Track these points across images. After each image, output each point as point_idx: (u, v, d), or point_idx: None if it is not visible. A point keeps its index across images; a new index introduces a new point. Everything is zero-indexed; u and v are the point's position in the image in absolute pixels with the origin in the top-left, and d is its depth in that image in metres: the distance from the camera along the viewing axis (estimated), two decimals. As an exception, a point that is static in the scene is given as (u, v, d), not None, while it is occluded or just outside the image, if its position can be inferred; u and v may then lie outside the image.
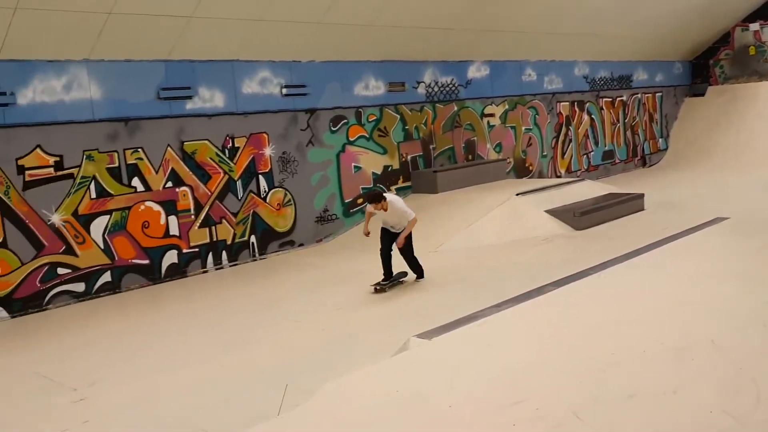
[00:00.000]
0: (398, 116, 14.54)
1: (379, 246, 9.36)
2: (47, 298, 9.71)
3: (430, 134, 15.23)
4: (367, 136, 13.94)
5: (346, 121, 13.54)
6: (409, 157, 14.79)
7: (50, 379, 6.85)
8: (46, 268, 9.71)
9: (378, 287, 9.18)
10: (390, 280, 9.32)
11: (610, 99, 20.65)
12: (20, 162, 9.49)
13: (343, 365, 6.07)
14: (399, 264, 9.46)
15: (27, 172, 9.56)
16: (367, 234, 9.44)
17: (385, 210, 9.00)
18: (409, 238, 9.24)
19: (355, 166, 13.73)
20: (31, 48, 9.29)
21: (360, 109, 13.78)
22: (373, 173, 14.07)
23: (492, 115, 16.78)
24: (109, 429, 5.63)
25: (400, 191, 14.45)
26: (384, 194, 9.14)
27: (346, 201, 13.57)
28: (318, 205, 13.10)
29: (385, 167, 14.30)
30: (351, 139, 13.65)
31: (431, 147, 15.27)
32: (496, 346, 5.22)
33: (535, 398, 4.32)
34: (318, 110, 13.03)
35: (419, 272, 9.58)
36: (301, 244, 12.76)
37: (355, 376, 4.99)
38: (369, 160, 13.97)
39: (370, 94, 13.94)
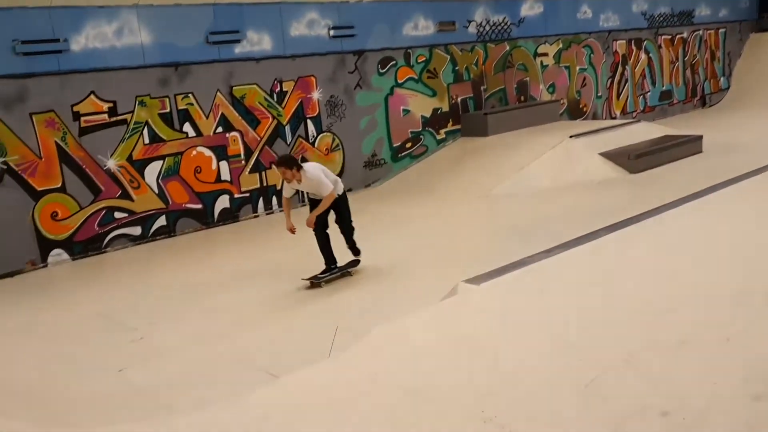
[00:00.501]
0: (448, 57, 14.23)
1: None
2: (105, 241, 10.01)
3: (481, 75, 14.89)
4: (416, 78, 13.72)
5: (394, 62, 13.33)
6: (459, 99, 14.53)
7: (111, 319, 7.12)
8: (104, 212, 9.98)
9: (314, 281, 7.53)
10: (330, 271, 7.66)
11: (669, 36, 19.78)
12: (75, 108, 9.67)
13: (392, 309, 6.13)
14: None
15: (82, 118, 9.74)
16: (292, 230, 7.53)
17: (299, 182, 7.34)
18: (347, 211, 7.79)
19: (404, 110, 13.57)
20: (83, -6, 9.35)
21: (409, 50, 13.53)
22: (422, 116, 13.90)
23: (545, 54, 16.28)
24: (168, 366, 5.84)
25: (449, 134, 14.26)
26: (298, 162, 7.46)
27: (395, 145, 13.48)
28: (366, 149, 13.05)
29: (435, 110, 14.10)
30: (399, 82, 13.46)
31: (482, 88, 14.95)
32: (547, 292, 5.17)
33: (586, 345, 4.28)
34: (366, 52, 12.84)
35: (354, 251, 7.94)
36: (349, 189, 12.74)
37: (404, 320, 5.02)
38: (418, 102, 13.78)
39: (420, 34, 13.65)
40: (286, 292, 7.50)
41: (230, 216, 11.25)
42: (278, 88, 11.76)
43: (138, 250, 10.05)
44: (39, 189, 9.39)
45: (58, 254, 9.56)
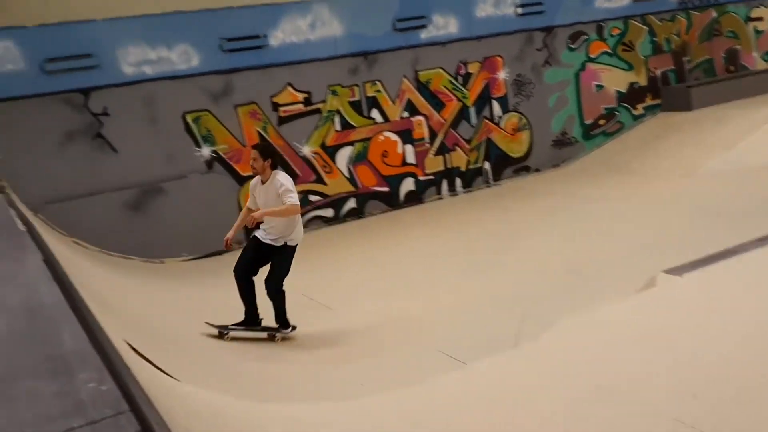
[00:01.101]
0: (646, 28, 13.28)
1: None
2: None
3: (683, 45, 13.73)
4: (610, 51, 12.97)
5: (586, 37, 12.69)
6: (658, 72, 13.52)
7: (309, 297, 7.51)
8: (301, 196, 10.54)
9: (221, 330, 6.25)
10: (247, 326, 6.31)
11: None
12: (274, 99, 10.30)
13: (583, 299, 5.85)
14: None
15: (280, 109, 10.36)
16: (228, 242, 6.38)
17: (264, 181, 6.18)
18: (286, 264, 6.18)
19: (597, 85, 12.90)
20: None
21: (602, 23, 12.81)
22: (617, 91, 13.12)
23: (760, 18, 14.62)
24: (359, 344, 6.02)
25: (648, 110, 13.35)
26: (275, 156, 6.32)
27: (587, 122, 12.87)
28: (555, 128, 12.60)
29: (631, 84, 13.25)
30: (592, 56, 12.80)
31: (685, 60, 13.78)
32: (757, 287, 4.65)
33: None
34: (555, 28, 12.35)
35: (282, 319, 6.30)
36: (537, 170, 12.44)
37: (596, 311, 4.78)
38: (612, 77, 13.03)
39: (614, 5, 12.86)
40: (469, 274, 7.46)
41: (415, 198, 11.43)
42: (463, 71, 11.68)
43: (331, 231, 10.52)
44: (243, 174, 10.13)
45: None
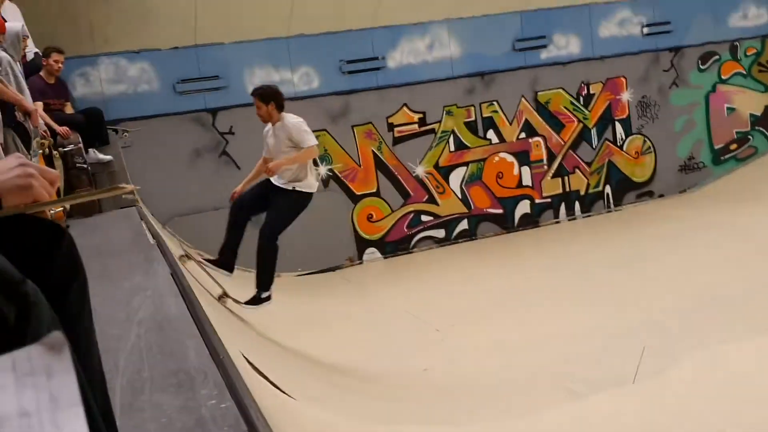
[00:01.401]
0: (785, 47, 12.45)
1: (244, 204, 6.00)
2: (413, 243, 10.64)
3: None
4: (745, 72, 12.23)
5: (717, 57, 12.04)
6: (797, 94, 12.61)
7: (416, 317, 7.51)
8: (412, 215, 10.62)
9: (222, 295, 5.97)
10: (217, 265, 6.10)
11: None
12: (390, 120, 10.43)
13: (710, 334, 5.49)
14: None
15: (395, 129, 10.47)
16: (234, 195, 6.12)
17: (273, 124, 5.94)
18: (293, 206, 5.84)
19: (728, 108, 12.19)
20: (399, 13, 10.03)
21: (736, 43, 12.12)
22: (751, 115, 12.34)
23: None
24: (468, 370, 5.95)
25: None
26: (279, 99, 5.94)
27: (716, 147, 12.18)
28: (682, 152, 11.99)
29: (766, 107, 12.42)
30: (723, 78, 12.12)
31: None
32: None
33: None
34: (683, 48, 11.80)
35: (264, 279, 5.96)
36: (661, 195, 11.87)
37: (726, 349, 4.46)
38: (746, 99, 12.27)
39: (750, 24, 12.14)
40: (586, 302, 7.19)
41: (530, 221, 11.19)
42: (585, 91, 11.37)
43: (441, 252, 10.49)
44: (357, 193, 10.32)
45: (372, 253, 10.41)
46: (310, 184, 5.92)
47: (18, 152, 5.34)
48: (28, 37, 6.69)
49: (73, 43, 7.58)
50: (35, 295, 0.92)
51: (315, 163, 6.11)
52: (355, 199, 10.31)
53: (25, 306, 0.89)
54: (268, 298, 5.92)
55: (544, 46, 11.02)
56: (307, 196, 5.93)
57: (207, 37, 9.28)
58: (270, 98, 5.88)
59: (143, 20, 8.81)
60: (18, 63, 6.21)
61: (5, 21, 5.50)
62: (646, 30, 11.51)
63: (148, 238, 4.98)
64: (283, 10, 9.31)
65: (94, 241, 5.24)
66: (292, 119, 5.91)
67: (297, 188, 5.85)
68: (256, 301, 5.95)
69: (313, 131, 9.86)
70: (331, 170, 10.13)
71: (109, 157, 7.68)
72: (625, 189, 11.68)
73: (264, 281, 5.92)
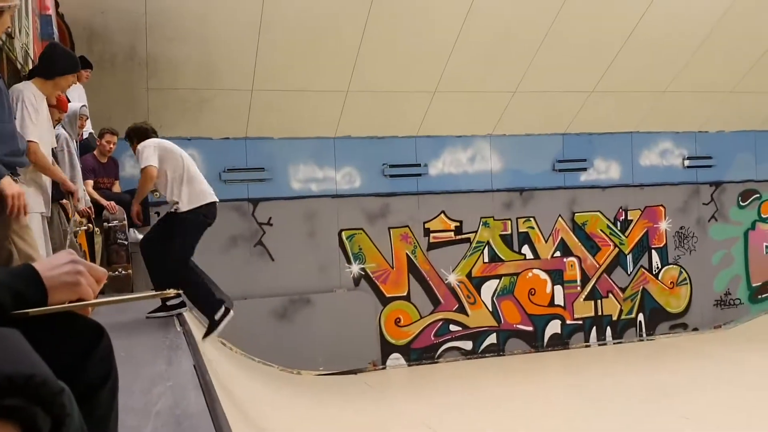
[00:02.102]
0: (826, 192, 12.38)
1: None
2: (439, 352, 10.45)
3: None
4: (785, 212, 12.15)
5: (758, 195, 12.02)
6: (840, 239, 12.42)
7: (432, 429, 7.27)
8: (441, 323, 10.50)
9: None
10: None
11: None
12: (427, 225, 10.51)
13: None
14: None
15: (431, 235, 10.53)
16: (138, 215, 5.73)
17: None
18: (172, 230, 5.20)
19: (767, 247, 12.05)
20: (444, 125, 10.30)
21: (777, 183, 12.12)
22: (791, 256, 12.16)
23: None
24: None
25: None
26: (141, 133, 5.50)
27: (754, 285, 11.95)
28: (719, 287, 11.78)
29: (808, 249, 12.24)
30: (763, 216, 12.04)
31: None
32: None
33: None
34: (724, 183, 11.82)
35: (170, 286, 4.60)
36: (695, 329, 11.58)
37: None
38: (786, 240, 12.13)
39: (792, 165, 12.17)
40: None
41: (560, 342, 10.96)
42: (623, 216, 11.37)
43: (467, 365, 10.27)
44: (388, 295, 10.28)
45: (396, 358, 10.24)
46: (186, 202, 5.26)
47: (61, 225, 5.49)
48: (87, 117, 7.01)
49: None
50: (70, 405, 0.92)
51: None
52: (385, 301, 10.26)
53: (60, 418, 0.89)
54: (226, 313, 5.37)
55: (585, 169, 11.14)
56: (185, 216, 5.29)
57: (257, 130, 9.61)
58: (137, 138, 5.54)
59: (199, 109, 9.20)
60: (74, 140, 6.51)
61: (68, 101, 5.79)
62: (687, 162, 11.59)
63: (175, 324, 4.99)
64: (333, 114, 9.65)
65: (123, 318, 5.27)
66: (146, 148, 5.33)
67: (174, 210, 5.31)
68: (212, 327, 5.41)
69: (350, 229, 10.19)
70: (363, 269, 10.16)
71: (146, 238, 7.82)
72: (658, 319, 11.44)
73: (206, 311, 5.43)
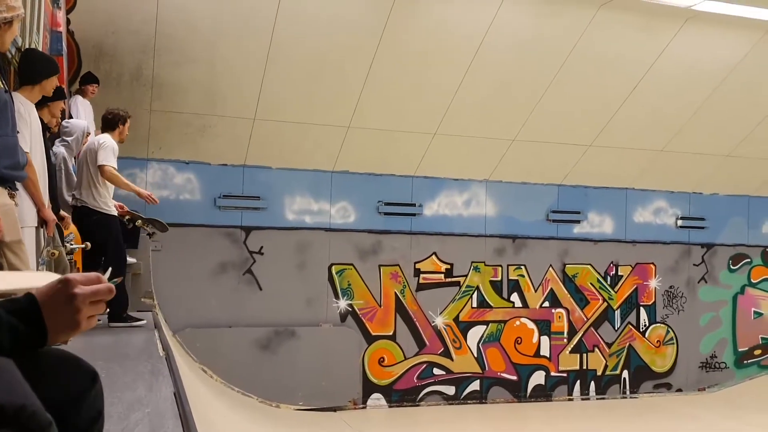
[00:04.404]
0: (819, 260, 12.46)
1: None
2: (421, 395, 10.34)
3: None
4: (775, 280, 12.20)
5: (749, 260, 12.07)
6: (828, 310, 12.45)
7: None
8: (425, 366, 10.40)
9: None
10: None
11: None
12: (417, 265, 10.48)
13: None
14: None
15: (422, 275, 10.50)
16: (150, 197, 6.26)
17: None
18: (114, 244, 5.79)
19: (756, 312, 12.05)
20: (442, 167, 10.36)
21: (767, 249, 12.18)
22: (779, 323, 12.16)
23: None
24: None
25: (812, 349, 12.19)
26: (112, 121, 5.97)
27: (740, 350, 11.93)
28: (705, 349, 11.75)
29: (795, 318, 12.25)
30: (753, 281, 12.08)
31: None
32: None
33: None
34: (716, 245, 11.88)
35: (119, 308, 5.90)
36: (679, 389, 11.52)
37: None
38: (774, 307, 12.15)
39: (783, 233, 12.26)
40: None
41: (543, 393, 10.86)
42: (613, 271, 11.39)
43: (449, 411, 10.15)
44: (373, 333, 10.20)
45: (377, 398, 10.11)
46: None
47: (57, 244, 5.44)
48: (90, 133, 7.02)
49: (128, 145, 7.92)
50: None
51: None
52: (370, 339, 10.17)
53: None
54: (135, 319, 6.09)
55: (578, 221, 11.19)
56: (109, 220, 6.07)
57: (256, 159, 9.63)
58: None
59: (200, 134, 9.21)
60: (72, 159, 6.49)
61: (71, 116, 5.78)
62: (680, 222, 11.66)
63: (158, 349, 4.92)
64: (333, 148, 9.68)
65: (105, 341, 5.21)
66: (104, 141, 5.99)
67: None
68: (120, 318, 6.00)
69: (340, 264, 10.15)
70: (350, 305, 10.10)
71: (134, 260, 7.76)
72: (643, 377, 11.38)
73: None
